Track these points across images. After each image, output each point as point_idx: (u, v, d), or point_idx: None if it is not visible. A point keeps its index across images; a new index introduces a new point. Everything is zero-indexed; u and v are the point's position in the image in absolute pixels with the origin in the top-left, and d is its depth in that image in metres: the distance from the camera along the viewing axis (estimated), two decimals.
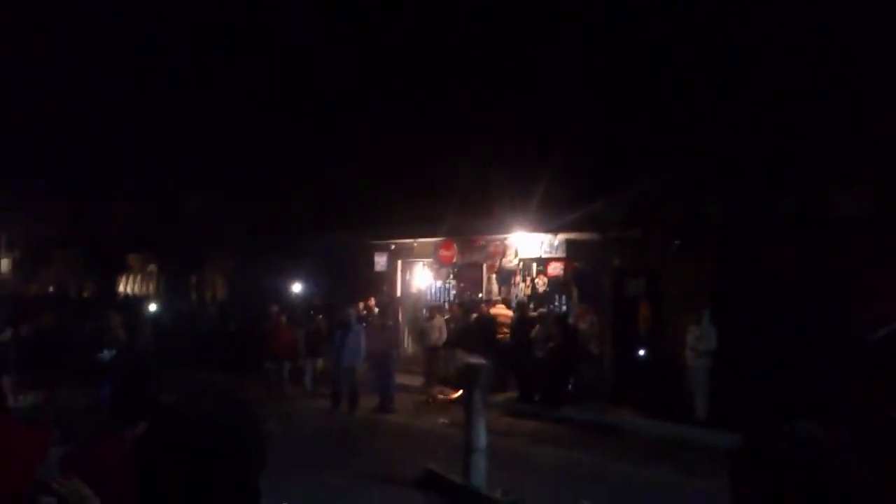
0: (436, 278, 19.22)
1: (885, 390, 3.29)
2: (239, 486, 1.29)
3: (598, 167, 14.10)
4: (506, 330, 15.52)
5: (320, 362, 15.89)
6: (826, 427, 1.24)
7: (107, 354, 11.21)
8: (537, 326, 14.66)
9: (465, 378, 9.07)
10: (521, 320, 15.17)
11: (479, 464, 8.28)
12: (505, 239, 16.88)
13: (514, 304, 16.36)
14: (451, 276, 18.95)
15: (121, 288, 32.76)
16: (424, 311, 17.59)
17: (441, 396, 14.81)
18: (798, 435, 1.22)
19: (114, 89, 24.27)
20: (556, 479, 9.67)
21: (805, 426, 1.25)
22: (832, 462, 1.17)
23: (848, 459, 1.19)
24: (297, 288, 20.62)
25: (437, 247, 18.29)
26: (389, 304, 17.61)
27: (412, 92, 18.64)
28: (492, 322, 15.39)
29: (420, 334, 17.08)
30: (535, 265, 16.66)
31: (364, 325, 14.87)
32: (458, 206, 16.17)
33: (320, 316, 16.96)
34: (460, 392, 8.50)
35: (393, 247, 19.72)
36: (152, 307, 19.22)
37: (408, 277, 20.04)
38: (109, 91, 24.29)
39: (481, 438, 8.34)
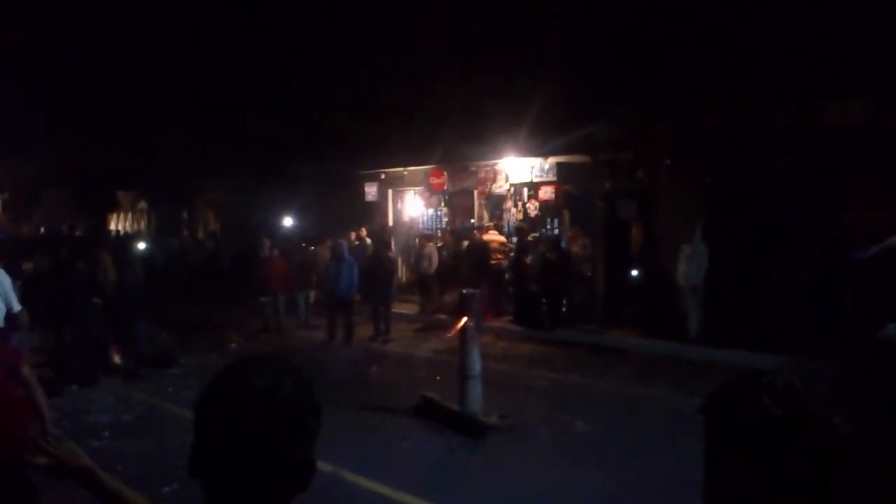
0: (427, 206, 19.15)
1: (873, 309, 3.28)
2: (295, 457, 1.29)
3: (588, 90, 13.88)
4: (499, 256, 15.55)
5: (313, 294, 15.93)
6: (807, 379, 1.18)
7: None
8: (530, 253, 14.67)
9: (459, 306, 9.09)
10: (520, 245, 15.18)
11: (475, 390, 8.37)
12: (495, 164, 16.77)
13: (505, 230, 16.36)
14: (443, 204, 18.88)
15: (112, 226, 32.70)
16: (416, 239, 17.59)
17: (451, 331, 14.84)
18: (775, 386, 1.14)
19: (100, 25, 23.69)
20: (552, 401, 9.80)
21: (784, 378, 1.16)
22: (811, 417, 1.11)
23: (828, 414, 1.12)
24: (288, 220, 20.55)
25: (428, 174, 18.19)
26: (382, 234, 17.57)
27: (400, 19, 18.22)
28: (484, 248, 15.40)
29: (413, 263, 17.12)
30: (525, 190, 16.57)
31: (357, 255, 14.85)
32: (448, 133, 15.99)
33: (312, 248, 16.93)
34: (464, 320, 8.51)
35: (383, 176, 19.59)
36: (142, 244, 19.13)
37: (399, 206, 19.97)
38: (95, 27, 23.71)
39: (476, 365, 8.40)
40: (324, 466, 6.98)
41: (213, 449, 1.27)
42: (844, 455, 1.11)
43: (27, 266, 14.13)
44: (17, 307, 8.36)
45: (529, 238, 15.27)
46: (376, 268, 14.21)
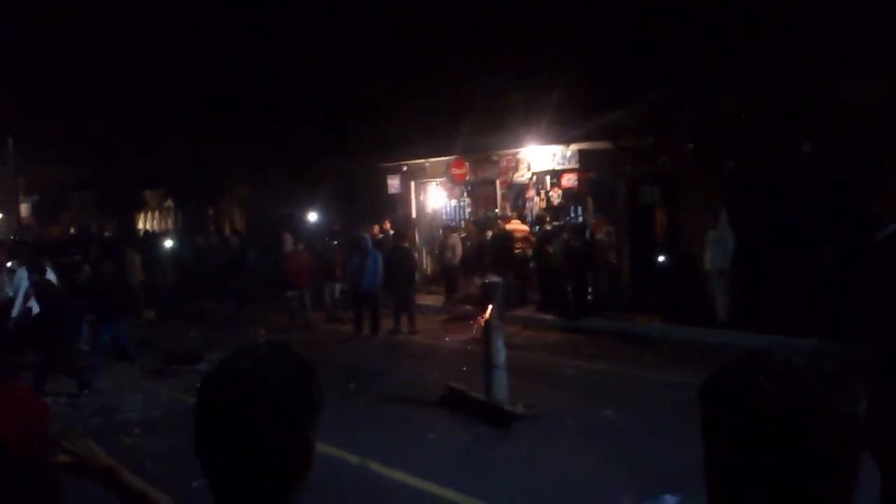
0: (450, 197, 19.13)
1: (886, 289, 3.22)
2: (292, 442, 1.29)
3: (608, 76, 13.77)
4: (522, 245, 15.51)
5: (338, 287, 15.99)
6: (810, 358, 1.09)
7: None
8: (553, 241, 14.61)
9: (481, 296, 9.08)
10: (541, 234, 15.15)
11: (500, 379, 8.35)
12: (517, 153, 16.70)
13: (529, 220, 16.30)
14: (465, 195, 18.85)
15: (140, 225, 33.03)
16: (440, 230, 17.59)
17: (477, 323, 14.83)
18: (774, 366, 1.08)
19: (126, 25, 23.93)
20: (578, 390, 9.77)
21: (783, 357, 1.10)
22: (811, 396, 1.05)
23: (830, 394, 1.05)
24: (312, 215, 20.63)
25: (450, 165, 18.15)
26: (405, 226, 17.58)
27: (420, 11, 18.18)
28: (507, 238, 15.37)
29: (437, 254, 17.13)
30: (548, 178, 16.49)
31: (382, 248, 14.88)
32: (469, 123, 15.95)
33: (336, 242, 16.99)
34: (489, 309, 8.49)
35: (405, 168, 19.59)
36: (169, 243, 19.32)
37: (422, 198, 19.96)
38: (121, 26, 23.96)
39: (501, 354, 8.39)
40: (350, 458, 7.05)
41: (209, 434, 1.29)
42: (849, 435, 1.06)
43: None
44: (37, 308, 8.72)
45: (548, 227, 15.21)
46: (396, 260, 14.22)
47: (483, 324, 8.59)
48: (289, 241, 16.26)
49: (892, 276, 3.23)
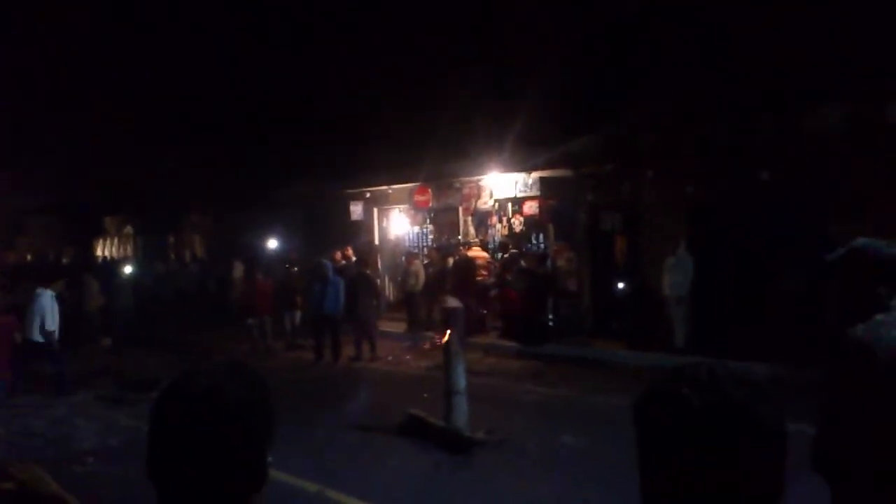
0: (412, 224, 19.16)
1: (840, 309, 3.28)
2: (246, 460, 1.30)
3: (570, 104, 13.97)
4: (483, 272, 15.56)
5: (298, 314, 15.90)
6: (735, 370, 1.13)
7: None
8: (511, 268, 14.70)
9: (442, 321, 9.08)
10: (502, 261, 15.26)
11: (461, 405, 8.34)
12: (479, 180, 16.80)
13: (490, 246, 16.38)
14: (428, 221, 18.89)
15: (99, 252, 32.54)
16: (403, 257, 17.59)
17: (432, 342, 14.88)
18: (698, 377, 1.11)
19: (84, 53, 23.71)
20: (540, 415, 9.78)
21: (711, 368, 1.13)
22: (731, 405, 1.07)
23: (751, 402, 1.08)
24: (273, 242, 20.51)
25: (413, 192, 18.20)
26: (368, 253, 17.56)
27: (382, 37, 18.31)
28: (469, 264, 15.41)
29: (400, 280, 17.12)
30: (510, 205, 16.61)
31: (344, 275, 14.83)
32: (431, 151, 16.03)
33: (295, 269, 16.91)
34: (449, 332, 8.49)
35: (368, 195, 19.60)
36: (129, 269, 19.07)
37: (385, 224, 19.96)
38: (79, 54, 23.73)
39: (461, 380, 8.38)
40: (309, 486, 6.97)
41: (165, 451, 1.29)
42: (771, 441, 1.08)
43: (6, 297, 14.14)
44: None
45: (507, 254, 15.31)
46: (358, 287, 14.19)
47: (441, 344, 8.60)
48: (238, 268, 16.19)
49: (839, 299, 3.29)
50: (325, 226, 19.67)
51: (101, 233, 32.99)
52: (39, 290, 11.10)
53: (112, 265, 22.91)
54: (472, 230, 17.43)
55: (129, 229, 31.58)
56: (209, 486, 1.27)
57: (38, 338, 11.03)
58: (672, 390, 1.11)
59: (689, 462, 1.07)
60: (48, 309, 10.94)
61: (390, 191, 19.03)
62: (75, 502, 1.86)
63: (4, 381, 10.17)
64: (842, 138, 10.87)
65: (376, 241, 19.76)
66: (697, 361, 1.16)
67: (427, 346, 14.56)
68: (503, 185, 16.41)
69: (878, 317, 3.04)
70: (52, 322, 10.84)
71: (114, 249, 32.49)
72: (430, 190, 17.89)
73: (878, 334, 2.97)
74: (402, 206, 19.17)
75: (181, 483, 1.28)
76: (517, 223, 16.41)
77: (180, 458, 1.27)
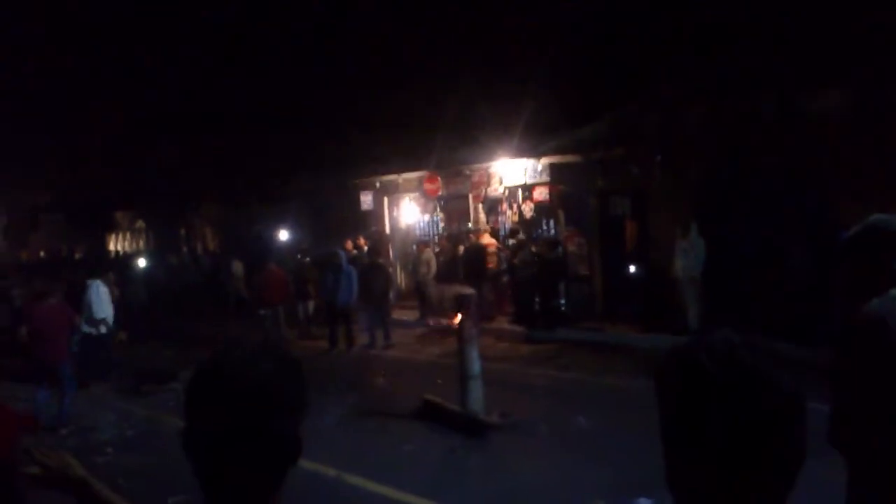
0: (423, 212, 19.19)
1: (854, 287, 3.31)
2: (280, 435, 1.33)
3: (577, 90, 13.95)
4: (492, 259, 15.60)
5: (311, 304, 15.98)
6: (755, 339, 1.13)
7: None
8: (519, 254, 14.71)
9: (456, 308, 9.12)
10: (512, 247, 15.29)
11: (476, 390, 8.40)
12: (489, 167, 16.81)
13: (501, 233, 16.39)
14: (438, 210, 18.92)
15: (111, 246, 32.75)
16: (414, 245, 17.64)
17: (444, 326, 14.96)
18: (715, 346, 1.13)
19: (91, 47, 23.75)
20: (552, 398, 9.84)
21: (728, 337, 1.14)
22: (752, 374, 1.09)
23: (768, 369, 1.10)
24: (284, 233, 20.59)
25: (422, 180, 18.22)
26: (379, 242, 17.61)
27: (391, 24, 18.27)
28: (480, 252, 15.44)
29: (411, 269, 17.18)
30: (520, 192, 16.62)
31: (356, 264, 14.89)
32: (440, 138, 16.04)
33: (307, 259, 16.97)
34: (460, 316, 8.55)
35: (378, 184, 19.63)
36: (142, 262, 19.20)
37: (395, 213, 20.00)
38: (86, 49, 23.78)
39: (475, 365, 8.44)
40: (327, 471, 7.04)
41: (198, 428, 1.33)
42: (789, 406, 1.10)
43: (20, 292, 14.31)
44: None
45: (514, 240, 15.33)
46: (370, 276, 14.25)
47: (454, 327, 8.67)
48: (237, 265, 16.31)
49: (854, 276, 3.31)
50: (336, 216, 19.72)
51: (112, 228, 33.18)
52: (89, 282, 11.47)
53: (125, 259, 23.07)
54: (482, 217, 17.45)
55: (140, 223, 31.76)
56: (247, 458, 1.31)
57: (87, 329, 11.38)
58: (690, 360, 1.13)
59: (710, 431, 1.09)
60: (95, 299, 11.27)
61: (400, 180, 19.06)
62: (99, 485, 1.89)
63: (75, 382, 10.18)
64: (847, 118, 10.85)
65: (387, 230, 19.81)
66: (716, 334, 1.17)
67: (440, 332, 14.65)
68: (513, 171, 16.41)
69: (893, 291, 3.07)
70: (100, 311, 11.23)
71: (126, 244, 32.69)
72: (439, 178, 17.91)
73: (893, 308, 3.01)
74: (412, 195, 19.20)
75: (218, 456, 1.31)
76: (527, 209, 16.42)
77: (218, 431, 1.30)
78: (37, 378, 9.83)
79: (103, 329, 11.63)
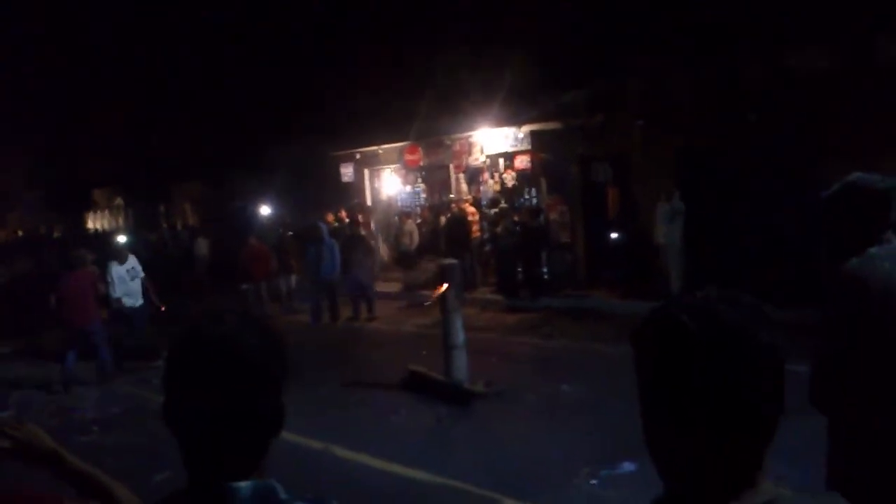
0: (404, 183, 19.13)
1: (834, 245, 3.32)
2: (262, 406, 1.32)
3: (557, 56, 13.86)
4: (474, 229, 15.60)
5: (294, 278, 15.93)
6: (735, 295, 1.13)
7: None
8: (501, 223, 14.71)
9: (439, 278, 9.12)
10: (493, 216, 15.28)
11: (460, 359, 8.43)
12: (470, 137, 16.74)
13: (483, 203, 16.37)
14: (420, 180, 18.86)
15: (90, 224, 32.47)
16: (396, 217, 17.59)
17: (425, 298, 14.97)
18: (695, 304, 1.12)
19: (66, 23, 23.40)
20: (537, 366, 9.88)
21: (708, 295, 1.14)
22: (732, 332, 1.08)
23: (747, 325, 1.09)
24: (265, 206, 20.47)
25: (403, 151, 18.13)
26: (361, 214, 17.54)
27: None
28: (462, 222, 15.42)
29: (393, 240, 17.15)
30: (501, 160, 16.58)
31: (338, 237, 14.82)
32: (420, 108, 15.94)
33: (289, 232, 16.89)
34: (445, 286, 8.55)
35: (358, 156, 19.53)
36: (122, 239, 19.04)
37: (376, 185, 19.93)
38: (61, 25, 23.43)
39: (459, 335, 8.46)
40: (314, 443, 7.06)
41: (180, 399, 1.32)
42: (768, 361, 1.09)
43: (2, 270, 14.21)
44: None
45: (496, 209, 15.31)
46: (352, 248, 14.20)
47: (437, 299, 8.67)
48: (202, 244, 16.26)
49: (834, 235, 3.33)
50: (317, 188, 19.63)
51: (91, 206, 32.88)
52: (108, 263, 11.72)
53: (104, 237, 22.88)
54: (464, 187, 17.41)
55: (118, 201, 31.47)
56: (228, 431, 1.29)
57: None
58: (669, 317, 1.12)
59: (688, 388, 1.09)
60: (113, 280, 11.54)
61: (380, 151, 18.96)
62: (72, 457, 1.88)
63: (108, 360, 10.67)
64: (830, 79, 10.84)
65: (368, 202, 19.73)
66: (697, 294, 1.16)
67: (426, 303, 14.67)
68: (494, 140, 16.35)
69: (872, 250, 3.07)
70: (115, 291, 11.46)
71: (105, 222, 32.42)
72: (420, 148, 17.83)
73: (872, 267, 3.02)
74: (392, 166, 19.12)
75: (200, 429, 1.30)
76: (509, 178, 16.39)
77: (198, 404, 1.29)
78: (69, 343, 10.39)
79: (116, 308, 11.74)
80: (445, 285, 8.57)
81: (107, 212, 32.70)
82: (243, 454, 1.32)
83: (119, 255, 11.96)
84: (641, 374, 1.17)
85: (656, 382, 1.14)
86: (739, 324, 1.09)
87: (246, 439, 1.32)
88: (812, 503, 1.17)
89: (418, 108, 15.90)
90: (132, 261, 11.89)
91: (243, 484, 1.29)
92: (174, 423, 1.32)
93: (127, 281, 11.70)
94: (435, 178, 18.42)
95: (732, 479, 1.10)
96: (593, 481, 5.85)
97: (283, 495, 1.33)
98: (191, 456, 1.32)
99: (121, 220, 31.02)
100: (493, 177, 16.80)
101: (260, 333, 1.36)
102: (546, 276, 14.43)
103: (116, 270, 11.66)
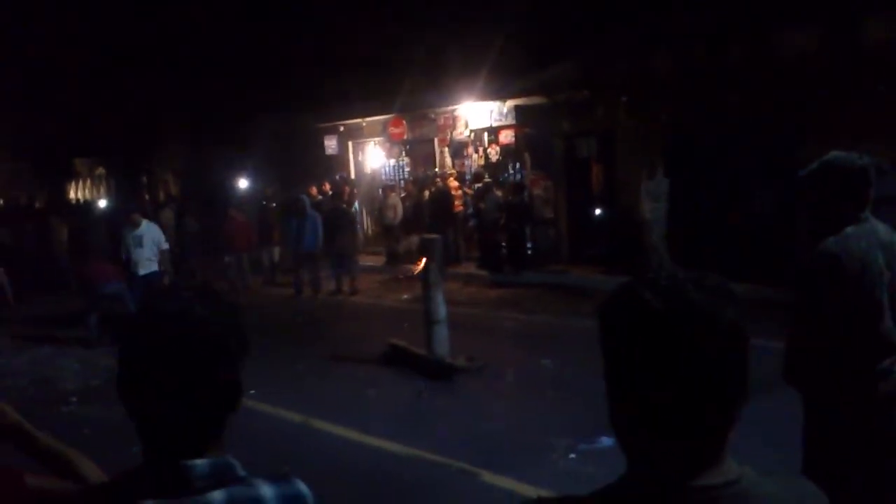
0: (388, 157, 19.04)
1: (812, 223, 3.33)
2: (218, 381, 1.30)
3: (543, 31, 13.77)
4: (457, 203, 15.57)
5: (276, 251, 15.86)
6: (698, 274, 1.12)
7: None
8: (485, 198, 14.67)
9: (421, 252, 9.11)
10: (476, 191, 15.26)
11: (441, 334, 8.43)
12: (454, 111, 16.66)
13: (467, 177, 16.33)
14: (404, 154, 18.77)
15: (72, 194, 32.14)
16: (380, 190, 17.52)
17: (407, 273, 15.00)
18: (660, 282, 1.11)
19: None
20: (518, 342, 9.93)
21: (674, 273, 1.12)
22: (693, 307, 1.07)
23: (713, 303, 1.08)
24: (245, 178, 20.31)
25: (387, 124, 18.03)
26: (344, 187, 17.45)
27: None
28: (446, 196, 15.38)
29: (377, 214, 17.10)
30: (486, 135, 16.52)
31: (320, 209, 14.75)
32: (405, 81, 15.82)
33: (272, 204, 16.78)
34: (424, 261, 8.56)
35: (342, 128, 19.40)
36: (102, 203, 18.92)
37: (360, 158, 19.82)
38: None
39: (441, 309, 8.45)
40: (293, 416, 7.07)
41: (133, 374, 1.30)
42: (733, 340, 1.08)
43: None
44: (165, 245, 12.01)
45: (480, 184, 15.27)
46: (335, 221, 14.15)
47: (417, 274, 8.68)
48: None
49: (811, 214, 3.34)
50: (300, 160, 19.50)
51: (72, 175, 32.51)
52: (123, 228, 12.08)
53: (85, 207, 22.69)
54: (448, 161, 17.35)
55: (100, 170, 31.16)
56: (182, 405, 1.27)
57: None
58: (634, 295, 1.11)
59: (652, 366, 1.08)
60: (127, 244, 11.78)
61: (364, 123, 18.84)
62: (37, 432, 1.83)
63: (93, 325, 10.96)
64: (814, 61, 10.84)
65: (352, 175, 19.63)
66: (662, 272, 1.15)
67: (400, 276, 14.71)
68: (478, 114, 16.29)
69: (848, 229, 3.09)
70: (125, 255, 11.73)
71: (87, 192, 32.10)
72: (404, 122, 17.73)
73: (847, 246, 3.03)
74: (376, 139, 19.01)
75: (152, 404, 1.28)
76: (493, 153, 16.35)
77: (151, 378, 1.27)
78: (91, 303, 10.88)
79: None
80: (427, 261, 8.56)
81: (89, 181, 32.35)
82: (199, 430, 1.30)
83: (130, 221, 11.95)
84: (606, 348, 1.16)
85: (620, 360, 1.13)
86: (705, 303, 1.08)
87: (201, 415, 1.30)
88: (777, 484, 1.17)
89: (403, 81, 15.78)
90: (143, 228, 11.82)
91: (199, 461, 1.27)
92: (128, 399, 1.30)
93: (132, 247, 11.69)
94: (419, 152, 18.33)
95: (697, 458, 1.10)
96: (571, 455, 5.90)
97: (240, 472, 1.32)
98: (145, 433, 1.31)
99: (102, 190, 30.71)
100: (477, 151, 16.74)
101: (216, 307, 1.34)
102: (529, 252, 14.45)
103: (128, 235, 11.77)
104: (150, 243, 11.73)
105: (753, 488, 1.11)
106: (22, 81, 24.89)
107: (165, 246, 12.09)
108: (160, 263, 11.84)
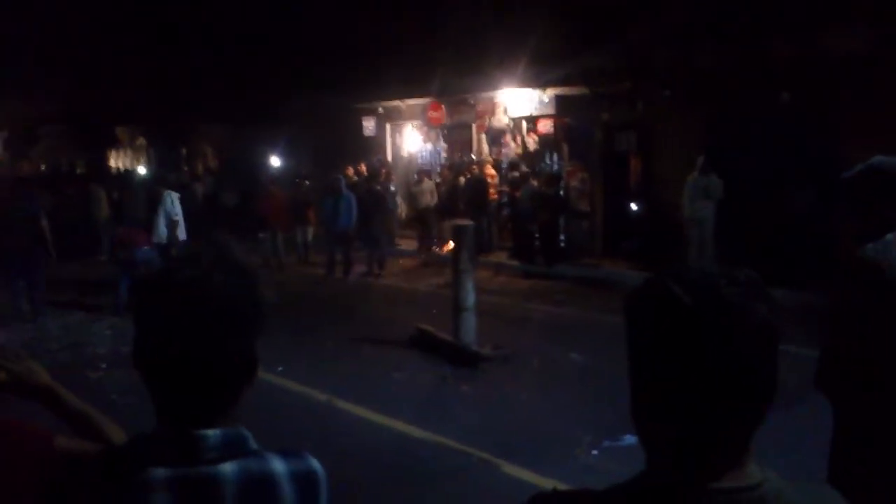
0: (426, 141, 18.99)
1: (855, 228, 3.24)
2: (234, 351, 1.27)
3: (586, 19, 13.61)
4: (493, 192, 15.50)
5: (311, 230, 15.90)
6: (736, 273, 1.08)
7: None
8: (522, 188, 14.58)
9: (453, 239, 9.09)
10: (512, 181, 15.16)
11: (469, 321, 8.42)
12: (494, 97, 16.55)
13: (504, 165, 16.22)
14: (441, 139, 18.72)
15: (112, 162, 32.54)
16: (415, 174, 17.49)
17: (436, 250, 15.05)
18: (690, 276, 1.08)
19: None
20: (547, 333, 9.87)
21: (703, 267, 1.10)
22: (723, 302, 1.04)
23: (743, 299, 1.05)
24: (280, 157, 20.41)
25: (426, 108, 17.97)
26: (380, 169, 17.44)
27: None
28: (482, 183, 15.31)
29: (411, 198, 17.09)
30: (525, 123, 16.40)
31: (356, 190, 14.78)
32: (446, 65, 15.73)
33: (307, 183, 16.81)
34: (451, 244, 8.57)
35: (381, 110, 19.38)
36: (141, 171, 19.14)
37: (398, 141, 19.80)
38: None
39: (470, 297, 8.44)
40: (318, 395, 7.10)
41: (148, 342, 1.28)
42: (763, 337, 1.05)
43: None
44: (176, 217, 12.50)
45: (517, 173, 15.15)
46: (369, 203, 14.17)
47: (442, 253, 8.67)
48: (198, 189, 16.64)
49: (854, 215, 3.25)
50: (338, 141, 19.50)
51: (114, 143, 32.91)
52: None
53: (125, 175, 22.96)
54: (485, 148, 17.27)
55: (141, 140, 31.50)
56: (197, 376, 1.26)
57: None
58: (663, 289, 1.08)
59: (679, 360, 1.05)
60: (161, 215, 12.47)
61: (403, 106, 18.80)
62: (68, 393, 1.82)
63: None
64: (863, 60, 10.61)
65: (389, 158, 19.63)
66: (692, 266, 1.12)
67: (430, 260, 14.75)
68: (518, 102, 16.16)
69: (889, 236, 3.00)
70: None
71: (127, 160, 32.49)
72: (443, 106, 17.66)
73: (888, 253, 2.95)
74: (415, 123, 18.97)
75: (167, 373, 1.27)
76: (531, 142, 16.23)
77: (166, 346, 1.25)
78: (123, 268, 11.00)
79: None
80: (457, 246, 8.55)
81: (129, 150, 32.73)
82: (213, 400, 1.28)
83: (155, 193, 12.85)
84: (632, 342, 1.13)
85: (646, 352, 1.10)
86: (736, 297, 1.04)
87: (216, 385, 1.28)
88: (801, 491, 1.13)
89: (444, 64, 15.68)
90: (167, 199, 12.53)
91: (212, 432, 1.26)
92: (143, 367, 1.29)
93: (160, 217, 12.38)
94: (457, 138, 18.26)
95: (719, 459, 1.07)
96: (594, 451, 5.86)
97: (253, 445, 1.30)
98: (159, 401, 1.29)
99: (142, 160, 31.04)
100: (515, 139, 16.63)
101: (235, 274, 1.31)
102: (563, 244, 14.36)
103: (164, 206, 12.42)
104: (163, 213, 12.43)
105: (776, 494, 1.08)
106: (70, 51, 25.20)
107: (176, 217, 12.57)
108: (168, 234, 12.44)
